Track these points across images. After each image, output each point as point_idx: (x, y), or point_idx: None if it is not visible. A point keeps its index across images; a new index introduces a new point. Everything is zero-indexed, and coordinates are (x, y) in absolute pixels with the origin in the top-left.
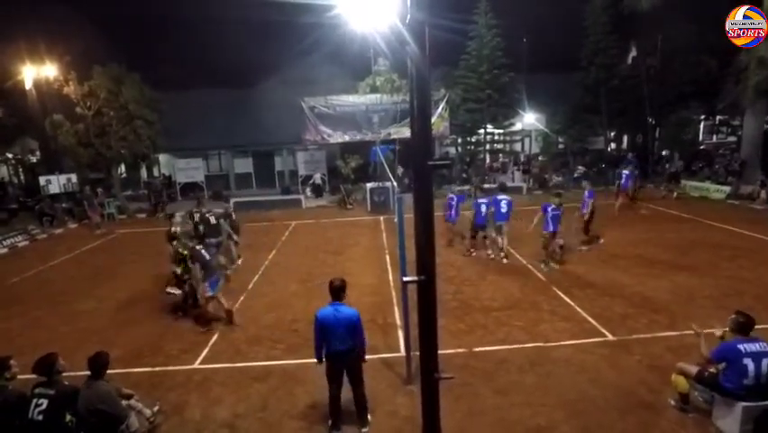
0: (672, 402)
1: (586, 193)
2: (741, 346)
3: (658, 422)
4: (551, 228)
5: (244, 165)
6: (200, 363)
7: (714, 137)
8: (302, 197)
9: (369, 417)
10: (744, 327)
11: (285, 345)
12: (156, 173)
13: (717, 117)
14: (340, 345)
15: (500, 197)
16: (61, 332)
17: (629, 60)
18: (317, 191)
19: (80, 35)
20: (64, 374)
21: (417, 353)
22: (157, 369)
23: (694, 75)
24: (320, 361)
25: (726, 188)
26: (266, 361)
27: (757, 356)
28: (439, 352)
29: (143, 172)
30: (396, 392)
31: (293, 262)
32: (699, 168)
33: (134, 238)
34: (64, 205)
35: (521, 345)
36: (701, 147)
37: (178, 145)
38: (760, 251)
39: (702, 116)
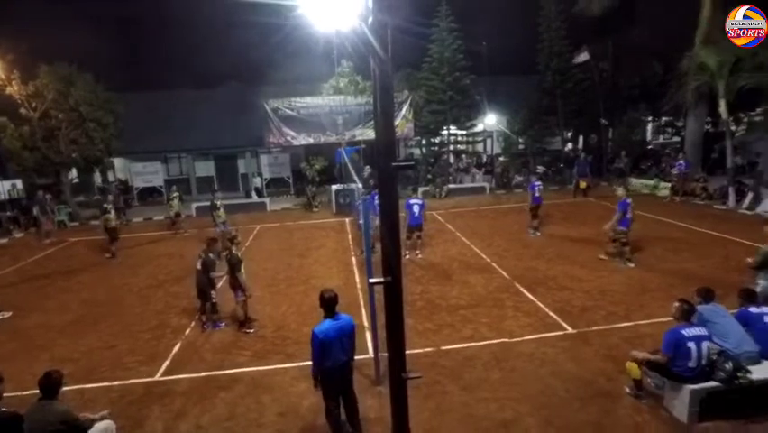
0: (628, 389)
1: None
2: (683, 331)
3: (615, 409)
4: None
5: (206, 168)
6: (161, 375)
7: (660, 137)
8: (267, 200)
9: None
10: (687, 314)
11: (251, 352)
12: (111, 178)
13: (663, 118)
14: (342, 356)
15: (413, 201)
16: (6, 349)
17: (581, 63)
18: (258, 194)
19: (26, 32)
20: (9, 395)
21: (386, 354)
22: (115, 383)
23: (641, 78)
24: (317, 380)
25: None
26: (232, 369)
27: (698, 339)
28: (407, 352)
29: (97, 177)
30: (365, 394)
31: (258, 266)
32: (648, 166)
33: (87, 247)
34: (9, 213)
35: (487, 342)
36: (649, 147)
37: (134, 148)
38: (701, 243)
39: (650, 117)
